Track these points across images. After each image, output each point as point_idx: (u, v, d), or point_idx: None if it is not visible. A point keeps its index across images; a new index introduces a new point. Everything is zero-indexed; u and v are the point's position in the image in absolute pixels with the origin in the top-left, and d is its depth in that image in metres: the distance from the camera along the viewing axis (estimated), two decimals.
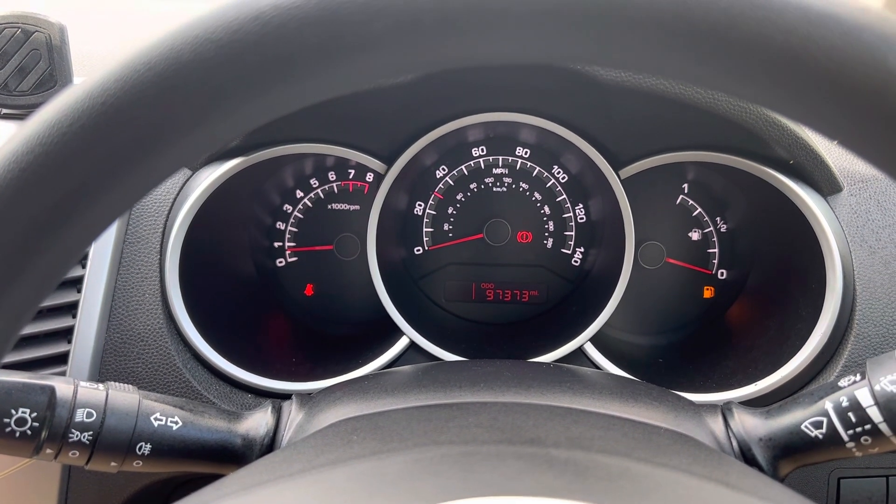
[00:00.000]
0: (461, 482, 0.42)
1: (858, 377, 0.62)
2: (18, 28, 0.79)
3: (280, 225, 1.09)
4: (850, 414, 0.60)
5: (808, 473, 0.88)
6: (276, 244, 1.09)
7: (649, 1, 0.30)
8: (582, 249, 1.08)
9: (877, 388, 0.60)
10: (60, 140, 0.32)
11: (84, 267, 0.83)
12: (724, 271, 1.07)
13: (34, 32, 0.79)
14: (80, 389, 0.61)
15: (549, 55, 0.33)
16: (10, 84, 0.79)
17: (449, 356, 0.93)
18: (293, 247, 1.09)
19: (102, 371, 0.82)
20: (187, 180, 0.89)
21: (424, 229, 1.09)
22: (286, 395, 0.79)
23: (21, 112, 0.83)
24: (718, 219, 1.06)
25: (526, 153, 1.06)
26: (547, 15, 0.31)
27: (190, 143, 0.34)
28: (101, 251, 0.83)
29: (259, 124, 0.35)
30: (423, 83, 0.83)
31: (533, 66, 0.80)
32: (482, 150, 1.06)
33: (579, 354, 0.94)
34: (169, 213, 0.87)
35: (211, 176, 0.87)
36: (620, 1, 0.31)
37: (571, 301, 1.08)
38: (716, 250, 1.06)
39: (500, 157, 1.06)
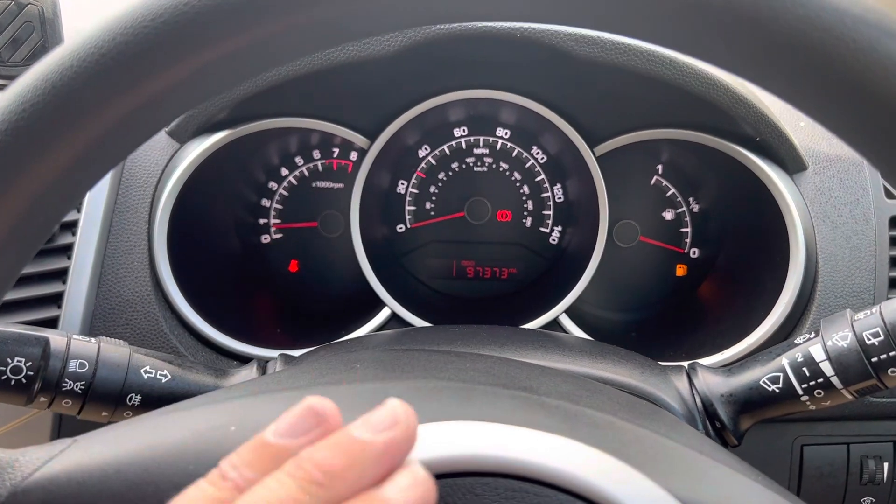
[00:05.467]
0: (460, 408, 0.44)
1: (812, 335, 0.66)
2: (12, 1, 0.81)
3: (265, 202, 1.11)
4: (805, 369, 0.64)
5: (773, 441, 0.91)
6: (262, 221, 1.12)
7: None
8: (560, 228, 1.12)
9: (829, 343, 0.63)
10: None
11: (74, 234, 0.85)
12: (696, 250, 1.10)
13: (27, 5, 0.81)
14: (72, 342, 0.63)
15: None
16: (3, 55, 0.81)
17: None
18: (278, 223, 1.12)
19: (91, 336, 0.84)
20: (176, 152, 0.91)
21: (407, 207, 1.12)
22: None
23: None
24: (691, 199, 1.09)
25: (506, 134, 1.09)
26: None
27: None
28: (91, 219, 0.85)
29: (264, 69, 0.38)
30: (405, 59, 0.86)
31: (513, 41, 0.83)
32: (464, 131, 1.09)
33: (555, 327, 0.98)
34: (157, 184, 0.90)
35: (198, 148, 0.90)
36: None
37: (547, 278, 1.11)
38: (688, 230, 1.10)
39: (482, 138, 1.09)
